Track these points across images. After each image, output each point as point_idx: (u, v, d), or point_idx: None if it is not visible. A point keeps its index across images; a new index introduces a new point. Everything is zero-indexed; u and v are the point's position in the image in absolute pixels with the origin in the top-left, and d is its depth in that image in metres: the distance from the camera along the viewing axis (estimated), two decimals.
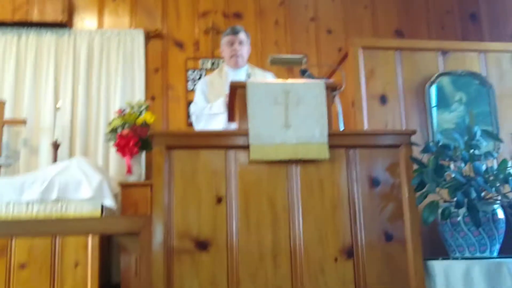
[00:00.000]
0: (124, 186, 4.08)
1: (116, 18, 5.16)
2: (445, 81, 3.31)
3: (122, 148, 4.22)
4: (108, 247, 4.26)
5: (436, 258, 2.61)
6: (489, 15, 5.44)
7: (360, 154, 2.58)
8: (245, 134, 2.49)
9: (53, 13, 4.89)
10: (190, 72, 5.03)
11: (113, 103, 4.78)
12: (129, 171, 4.28)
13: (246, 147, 2.49)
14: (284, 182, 2.51)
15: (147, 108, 4.43)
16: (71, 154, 4.68)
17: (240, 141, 2.51)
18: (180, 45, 5.13)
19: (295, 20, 5.36)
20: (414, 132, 2.63)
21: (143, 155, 4.53)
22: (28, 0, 4.89)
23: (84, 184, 3.47)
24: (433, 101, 3.26)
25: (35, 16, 4.88)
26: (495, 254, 2.64)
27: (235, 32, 3.67)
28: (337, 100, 2.79)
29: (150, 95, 4.95)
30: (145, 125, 4.31)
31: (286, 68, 5.03)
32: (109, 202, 3.44)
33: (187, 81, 5.02)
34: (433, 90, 3.28)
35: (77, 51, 4.94)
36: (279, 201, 2.48)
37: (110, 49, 4.97)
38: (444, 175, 2.58)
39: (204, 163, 2.49)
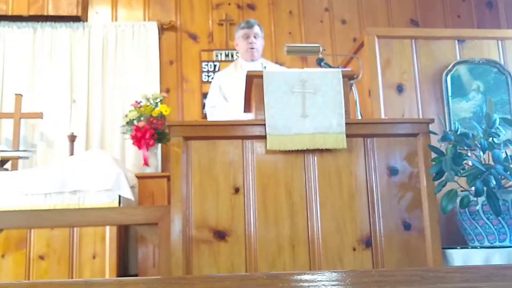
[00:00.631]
0: (141, 177, 4.11)
1: (130, 10, 5.17)
2: (462, 69, 3.28)
3: (139, 140, 4.24)
4: (126, 239, 4.30)
5: (454, 247, 2.60)
6: (506, 2, 5.36)
7: (377, 143, 2.57)
8: (262, 124, 2.49)
9: (68, 7, 4.91)
10: (204, 64, 5.03)
11: (128, 96, 4.80)
12: (146, 163, 4.30)
13: (263, 137, 2.49)
14: (301, 172, 2.50)
15: (162, 100, 4.44)
16: (87, 146, 4.72)
17: (256, 131, 2.51)
18: (194, 37, 5.13)
19: (309, 11, 5.32)
20: (432, 121, 2.61)
21: (159, 147, 4.55)
22: None
23: (102, 176, 3.49)
24: (450, 90, 3.23)
25: (50, 10, 4.90)
26: None
27: (250, 26, 3.70)
28: (354, 88, 2.77)
29: (165, 88, 4.97)
30: (161, 117, 4.33)
31: (300, 58, 5.01)
32: (127, 193, 3.46)
33: (201, 73, 5.02)
34: (450, 79, 3.25)
35: (92, 44, 4.96)
36: (296, 191, 2.48)
37: (124, 42, 4.98)
38: (463, 164, 2.57)
39: (221, 154, 2.50)
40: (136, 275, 4.06)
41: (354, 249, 2.45)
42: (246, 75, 2.64)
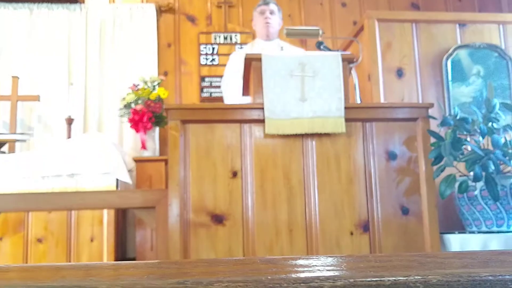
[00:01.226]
0: (139, 161, 4.10)
1: None
2: (463, 54, 3.25)
3: (136, 123, 4.22)
4: (124, 222, 4.30)
5: (452, 232, 2.60)
6: None
7: (376, 127, 2.55)
8: (260, 108, 2.47)
9: None
10: (202, 47, 4.99)
11: (126, 79, 4.76)
12: (143, 146, 4.29)
13: (261, 121, 2.47)
14: (299, 156, 2.49)
15: (160, 83, 4.41)
16: (85, 130, 4.70)
17: (255, 115, 2.49)
18: (192, 19, 5.09)
19: None
20: (431, 105, 2.60)
21: (157, 130, 4.53)
22: None
23: (99, 159, 3.47)
24: (450, 75, 3.21)
25: None
26: None
27: (266, 3, 3.72)
28: (354, 72, 2.75)
29: (162, 70, 4.93)
30: (159, 100, 4.30)
31: (299, 41, 4.97)
32: (125, 177, 3.45)
33: (200, 55, 4.98)
34: (450, 63, 3.22)
35: (89, 26, 4.91)
36: (294, 175, 2.47)
37: (122, 24, 4.93)
38: (462, 149, 2.56)
39: (219, 137, 2.48)
40: (134, 259, 4.07)
41: (352, 234, 2.45)
42: (245, 58, 2.61)
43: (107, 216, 3.85)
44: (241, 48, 4.80)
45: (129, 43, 4.88)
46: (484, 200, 2.59)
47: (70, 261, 3.88)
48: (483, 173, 2.46)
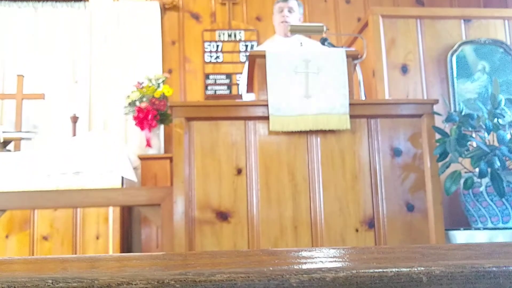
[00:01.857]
0: (144, 159, 4.10)
1: None
2: (468, 49, 3.24)
3: (141, 121, 4.22)
4: (129, 220, 4.31)
5: (457, 229, 2.59)
6: None
7: (381, 124, 2.55)
8: (265, 105, 2.47)
9: None
10: (207, 44, 4.99)
11: (130, 76, 4.77)
12: (148, 144, 4.29)
13: (265, 118, 2.47)
14: (304, 153, 2.49)
15: (164, 81, 4.42)
16: (89, 128, 4.71)
17: (259, 112, 2.49)
18: (196, 17, 5.08)
19: None
20: (436, 102, 2.59)
21: (162, 128, 4.54)
22: None
23: (104, 157, 3.48)
24: (455, 71, 3.19)
25: None
26: None
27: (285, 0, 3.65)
28: (358, 69, 2.74)
29: (167, 68, 4.93)
30: (163, 98, 4.31)
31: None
32: (130, 174, 3.46)
33: (204, 53, 4.98)
34: (455, 59, 3.21)
35: (93, 24, 4.92)
36: (299, 172, 2.47)
37: (126, 22, 4.94)
38: (467, 145, 2.55)
39: (223, 135, 2.48)
40: None
41: (357, 230, 2.45)
42: (248, 55, 2.61)
43: (112, 213, 3.86)
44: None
45: (133, 41, 4.89)
46: (489, 197, 2.58)
47: None
48: (489, 169, 2.45)
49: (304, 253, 0.58)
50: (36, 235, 3.86)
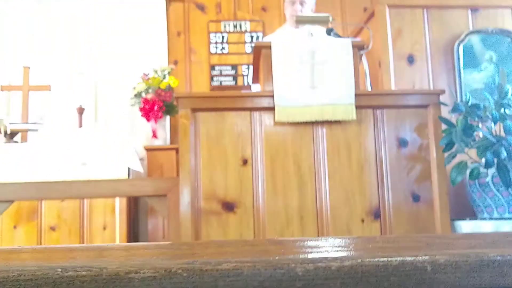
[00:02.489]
0: (150, 150, 4.12)
1: None
2: (475, 39, 3.21)
3: (147, 112, 4.24)
4: (136, 210, 4.34)
5: (463, 219, 2.59)
6: None
7: (387, 114, 2.54)
8: (270, 95, 2.47)
9: None
10: (212, 35, 4.98)
11: (136, 68, 4.78)
12: (154, 135, 4.31)
13: (271, 109, 2.47)
14: (310, 144, 2.49)
15: (170, 72, 4.42)
16: (96, 119, 4.72)
17: (265, 102, 2.49)
18: (201, 7, 5.07)
19: None
20: (442, 92, 2.58)
21: (168, 119, 4.55)
22: None
23: (111, 148, 3.50)
24: (462, 61, 3.17)
25: None
26: None
27: None
28: (364, 59, 2.73)
29: (172, 59, 4.93)
30: (169, 89, 4.31)
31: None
32: (136, 165, 3.48)
33: (209, 44, 4.97)
34: (462, 49, 3.19)
35: (99, 15, 4.92)
36: (305, 162, 2.47)
37: (131, 13, 4.93)
38: (473, 135, 2.54)
39: (229, 125, 2.49)
40: None
41: (363, 221, 2.45)
42: (254, 46, 2.61)
43: (119, 204, 3.89)
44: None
45: (139, 32, 4.89)
46: (496, 187, 2.57)
47: None
48: (495, 160, 2.45)
49: (309, 243, 0.58)
50: (44, 226, 3.89)
